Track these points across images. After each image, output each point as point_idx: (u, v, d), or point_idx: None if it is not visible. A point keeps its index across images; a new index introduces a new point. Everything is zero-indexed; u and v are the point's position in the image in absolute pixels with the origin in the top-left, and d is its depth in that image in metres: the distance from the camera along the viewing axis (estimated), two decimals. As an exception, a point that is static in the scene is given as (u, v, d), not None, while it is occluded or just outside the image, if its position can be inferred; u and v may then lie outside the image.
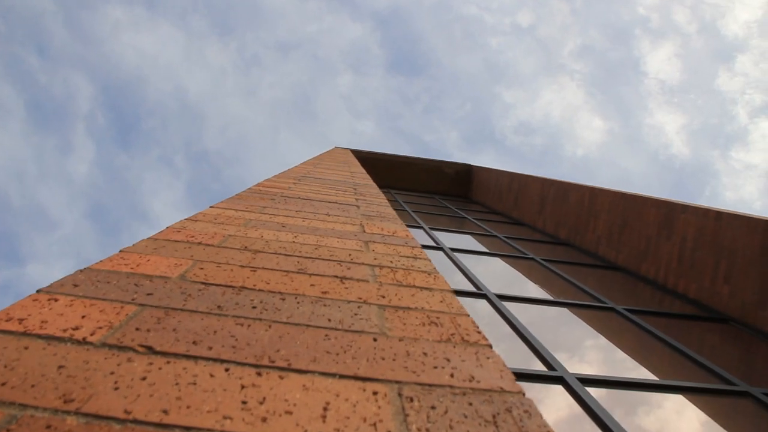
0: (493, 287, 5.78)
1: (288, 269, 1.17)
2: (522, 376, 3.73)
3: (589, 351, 4.43)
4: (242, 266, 1.15)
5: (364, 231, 1.75)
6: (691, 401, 3.80)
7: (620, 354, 4.46)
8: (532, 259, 7.56)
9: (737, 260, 5.86)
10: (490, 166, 13.48)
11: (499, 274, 6.46)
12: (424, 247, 7.18)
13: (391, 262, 1.37)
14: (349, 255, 1.38)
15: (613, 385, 3.84)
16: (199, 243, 1.31)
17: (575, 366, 4.11)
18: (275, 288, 1.05)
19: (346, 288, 1.09)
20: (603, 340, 4.71)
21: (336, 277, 1.16)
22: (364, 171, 4.86)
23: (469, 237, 8.66)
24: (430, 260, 1.44)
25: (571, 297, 5.86)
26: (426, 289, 1.17)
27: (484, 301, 5.27)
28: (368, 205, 2.41)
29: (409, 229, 8.43)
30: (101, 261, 1.06)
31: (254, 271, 1.13)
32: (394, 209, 10.41)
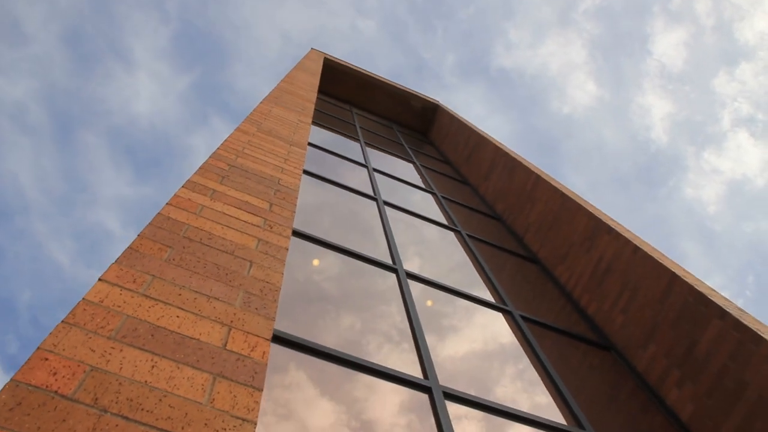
0: (408, 260, 5.92)
1: None
2: (392, 377, 3.89)
3: (468, 359, 4.64)
4: None
5: (225, 347, 1.79)
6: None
7: (496, 365, 4.67)
8: (458, 232, 7.71)
9: (638, 297, 6.13)
10: (456, 112, 13.43)
11: (419, 242, 6.59)
12: (360, 194, 7.24)
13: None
14: (185, 415, 1.42)
15: (474, 406, 4.06)
16: (49, 395, 1.32)
17: (447, 375, 4.31)
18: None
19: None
20: (487, 347, 4.91)
21: None
22: (305, 138, 4.82)
23: (407, 189, 8.74)
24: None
25: (479, 286, 6.05)
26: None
27: (393, 276, 5.41)
28: (262, 261, 2.42)
29: (354, 166, 8.46)
30: None
31: None
32: (347, 135, 10.37)
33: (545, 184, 8.46)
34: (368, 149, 10.19)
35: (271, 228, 2.80)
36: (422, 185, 9.39)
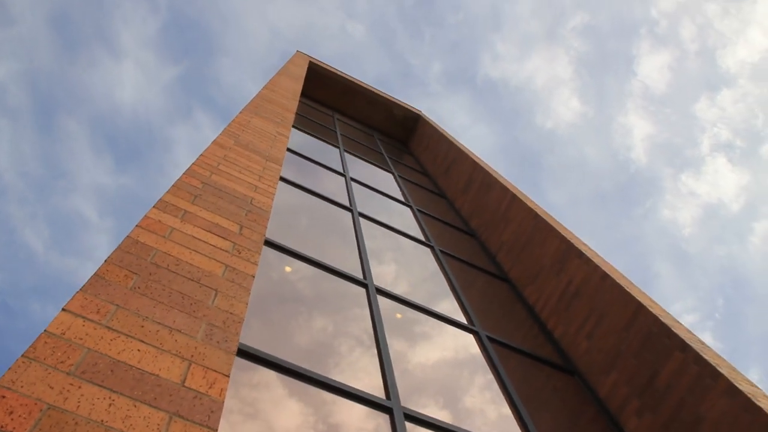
0: (379, 275, 5.95)
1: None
2: (354, 396, 3.92)
3: (432, 379, 4.68)
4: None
5: (183, 384, 1.80)
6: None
7: (459, 386, 4.71)
8: (432, 247, 7.76)
9: (603, 323, 6.21)
10: (438, 124, 13.50)
11: (392, 256, 6.63)
12: (336, 204, 7.26)
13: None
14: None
15: (434, 428, 4.10)
16: None
17: (409, 395, 4.34)
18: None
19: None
20: (452, 367, 4.94)
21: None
22: (282, 152, 4.83)
23: (384, 200, 8.77)
24: None
25: (448, 304, 6.09)
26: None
27: (363, 290, 5.44)
28: (228, 289, 2.42)
29: (332, 174, 8.48)
30: None
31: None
32: (327, 142, 10.38)
33: (520, 204, 8.54)
34: (347, 156, 10.21)
35: (240, 253, 2.81)
36: (399, 197, 9.43)
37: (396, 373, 4.47)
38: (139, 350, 1.82)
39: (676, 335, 5.39)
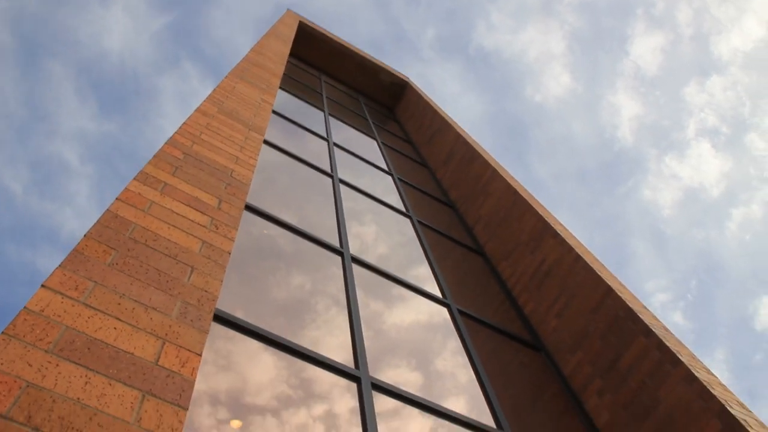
0: (356, 243, 6.02)
1: None
2: (323, 364, 4.01)
3: (402, 350, 4.79)
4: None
5: (157, 362, 1.86)
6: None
7: (428, 357, 4.82)
8: (410, 217, 7.84)
9: (573, 304, 6.36)
10: (424, 92, 13.48)
11: (370, 224, 6.70)
12: (317, 169, 7.30)
13: None
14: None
15: (400, 399, 4.22)
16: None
17: (378, 365, 4.45)
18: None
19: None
20: (423, 338, 5.05)
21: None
22: (266, 121, 4.84)
23: (366, 167, 8.81)
24: None
25: (422, 276, 6.19)
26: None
27: (338, 258, 5.51)
28: (204, 266, 2.46)
29: (315, 138, 8.48)
30: None
31: None
32: (313, 105, 10.36)
33: (500, 180, 8.62)
34: (332, 121, 10.20)
35: (217, 228, 2.86)
36: (381, 164, 9.47)
37: (366, 343, 4.57)
38: (115, 328, 1.88)
39: (641, 321, 5.54)
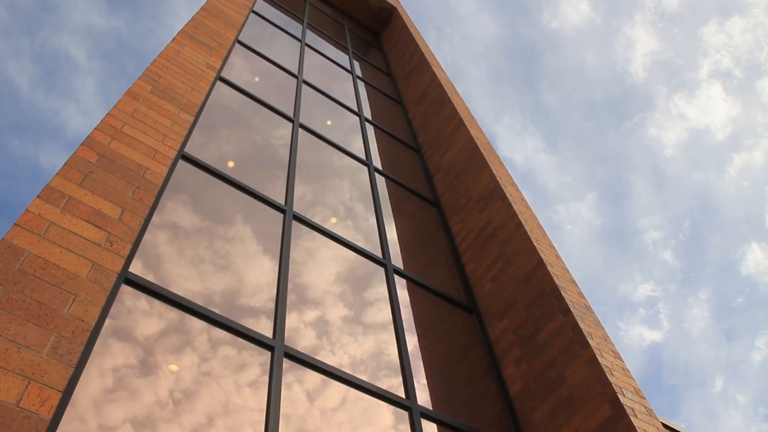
0: (303, 197, 6.20)
1: None
2: (235, 331, 4.26)
3: (329, 314, 5.07)
4: None
5: (18, 404, 2.05)
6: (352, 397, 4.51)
7: (356, 321, 5.08)
8: (368, 165, 7.99)
9: (508, 270, 6.64)
10: (412, 21, 13.28)
11: (323, 175, 6.85)
12: (278, 113, 7.38)
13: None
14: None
15: (313, 368, 4.52)
16: None
17: (298, 333, 4.73)
18: None
19: None
20: (354, 302, 5.29)
21: None
22: (201, 95, 4.86)
23: (333, 108, 8.87)
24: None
25: (365, 232, 6.39)
26: None
27: (280, 216, 5.71)
28: (87, 293, 2.58)
29: (283, 75, 8.50)
30: None
31: None
32: (290, 34, 10.26)
33: (464, 131, 8.72)
34: (307, 52, 10.15)
35: (111, 246, 3.04)
36: (351, 104, 9.52)
37: (288, 310, 4.83)
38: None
39: (563, 298, 5.83)
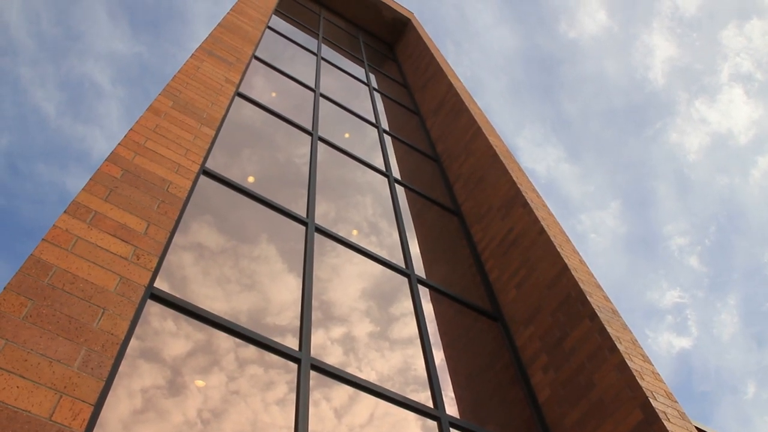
0: (325, 210, 6.23)
1: None
2: (261, 344, 4.27)
3: (355, 326, 5.07)
4: None
5: (51, 418, 2.08)
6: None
7: (381, 331, 5.09)
8: (388, 176, 8.01)
9: (532, 277, 6.61)
10: (426, 32, 13.32)
11: (344, 187, 6.88)
12: (297, 126, 7.42)
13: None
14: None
15: (342, 381, 4.52)
16: None
17: (323, 345, 4.73)
18: None
19: None
20: (379, 313, 5.29)
21: None
22: (222, 109, 4.91)
23: (351, 120, 8.91)
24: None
25: (389, 243, 6.40)
26: None
27: (302, 228, 5.73)
28: (115, 307, 2.62)
29: (301, 89, 8.56)
30: None
31: None
32: (306, 48, 10.33)
33: (482, 139, 8.72)
34: (323, 65, 10.21)
35: (138, 259, 3.07)
36: (368, 116, 9.55)
37: (314, 320, 4.84)
38: (18, 387, 2.13)
39: (588, 303, 5.79)
